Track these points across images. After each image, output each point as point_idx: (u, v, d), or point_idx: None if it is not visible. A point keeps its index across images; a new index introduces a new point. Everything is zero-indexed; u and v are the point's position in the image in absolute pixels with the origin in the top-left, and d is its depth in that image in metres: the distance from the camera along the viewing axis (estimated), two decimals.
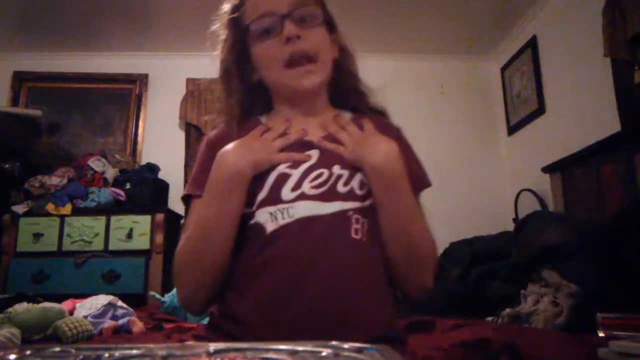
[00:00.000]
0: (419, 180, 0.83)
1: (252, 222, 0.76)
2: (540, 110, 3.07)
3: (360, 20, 3.24)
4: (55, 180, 3.02)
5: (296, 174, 0.77)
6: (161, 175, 3.30)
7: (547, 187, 2.74)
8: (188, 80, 3.59)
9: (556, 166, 2.60)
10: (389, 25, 3.33)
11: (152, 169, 3.25)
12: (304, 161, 0.78)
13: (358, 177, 0.77)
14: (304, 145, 0.81)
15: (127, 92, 3.63)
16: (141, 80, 3.65)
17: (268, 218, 0.75)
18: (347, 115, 0.88)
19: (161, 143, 3.52)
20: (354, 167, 0.78)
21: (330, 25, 0.86)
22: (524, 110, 3.28)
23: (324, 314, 0.69)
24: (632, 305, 1.34)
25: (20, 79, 3.61)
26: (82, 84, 3.60)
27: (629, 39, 2.13)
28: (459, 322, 1.36)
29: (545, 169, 2.70)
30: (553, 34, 2.96)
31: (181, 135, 3.56)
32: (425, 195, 0.84)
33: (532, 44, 3.16)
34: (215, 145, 0.83)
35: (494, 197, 3.51)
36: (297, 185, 0.76)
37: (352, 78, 0.89)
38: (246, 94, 0.87)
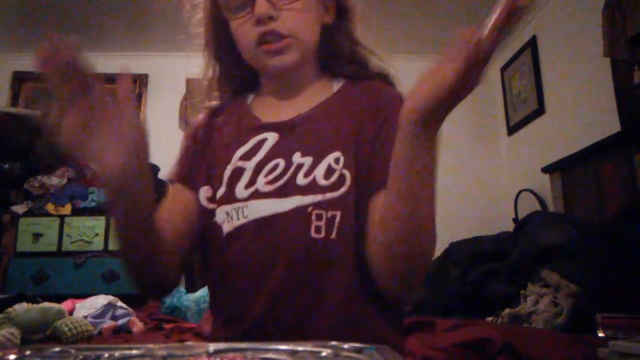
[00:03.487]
0: None
1: (213, 220, 0.71)
2: (540, 111, 3.07)
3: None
4: (55, 180, 3.02)
5: (249, 167, 0.69)
6: (161, 175, 3.30)
7: (547, 187, 2.74)
8: (188, 80, 3.59)
9: (556, 166, 2.60)
10: (387, 25, 3.33)
11: (152, 169, 3.25)
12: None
13: (324, 164, 0.67)
14: (261, 128, 0.73)
15: None
16: (141, 80, 3.65)
17: (224, 218, 0.69)
18: (337, 84, 0.77)
19: (161, 143, 3.48)
20: (320, 152, 0.68)
21: None
22: (524, 110, 3.28)
23: (278, 324, 0.64)
24: (632, 305, 1.34)
25: (20, 79, 3.61)
26: None
27: (628, 39, 2.13)
28: (459, 322, 1.36)
29: (545, 169, 2.70)
30: (553, 34, 2.96)
31: (181, 136, 3.55)
32: None
33: (532, 44, 3.16)
34: (198, 127, 0.81)
35: (494, 197, 3.51)
36: (252, 181, 0.69)
37: (347, 43, 0.77)
38: (228, 71, 0.80)
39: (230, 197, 0.69)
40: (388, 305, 0.68)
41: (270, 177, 0.68)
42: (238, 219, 0.68)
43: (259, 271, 0.66)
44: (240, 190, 0.69)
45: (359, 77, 0.77)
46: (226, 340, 0.65)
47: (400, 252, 0.59)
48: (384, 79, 0.78)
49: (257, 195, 0.68)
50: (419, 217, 0.58)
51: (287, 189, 0.67)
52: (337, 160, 0.67)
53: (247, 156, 0.70)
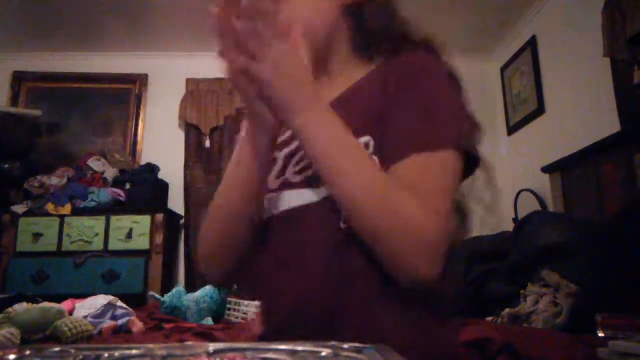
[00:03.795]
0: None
1: None
2: (540, 111, 3.07)
3: None
4: (55, 180, 3.02)
5: (281, 157, 0.68)
6: (161, 175, 3.30)
7: (547, 187, 2.74)
8: (188, 80, 3.59)
9: (556, 166, 2.60)
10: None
11: (152, 169, 3.25)
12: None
13: None
14: None
15: (127, 92, 3.63)
16: (141, 80, 3.64)
17: (263, 209, 0.68)
18: (373, 65, 0.71)
19: (161, 143, 3.52)
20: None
21: None
22: (524, 110, 3.28)
23: (306, 321, 0.61)
24: (632, 305, 1.34)
25: (20, 79, 3.61)
26: (82, 84, 3.60)
27: (628, 39, 2.13)
28: (458, 322, 1.36)
29: (545, 169, 2.69)
30: (553, 34, 2.96)
31: (181, 136, 3.55)
32: None
33: (532, 44, 3.16)
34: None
35: (494, 197, 3.50)
36: (282, 171, 0.67)
37: (381, 19, 0.71)
38: None
39: (266, 188, 0.68)
40: (421, 297, 0.61)
41: (299, 167, 0.66)
42: (270, 210, 0.67)
43: (287, 265, 0.64)
44: (272, 180, 0.68)
45: (399, 53, 0.69)
46: (266, 334, 0.66)
47: (361, 229, 0.58)
48: (428, 49, 0.70)
49: (287, 185, 0.66)
50: (348, 189, 0.57)
51: (316, 179, 0.63)
52: (366, 145, 0.62)
53: (281, 146, 0.69)
